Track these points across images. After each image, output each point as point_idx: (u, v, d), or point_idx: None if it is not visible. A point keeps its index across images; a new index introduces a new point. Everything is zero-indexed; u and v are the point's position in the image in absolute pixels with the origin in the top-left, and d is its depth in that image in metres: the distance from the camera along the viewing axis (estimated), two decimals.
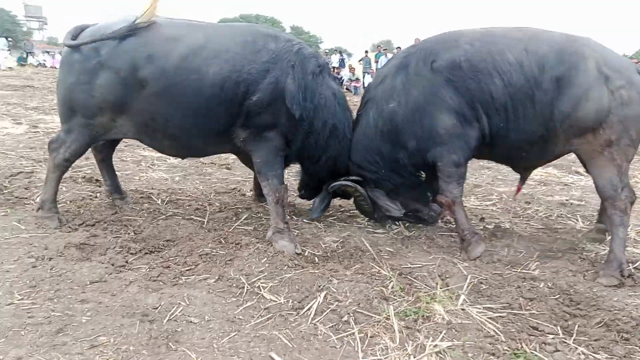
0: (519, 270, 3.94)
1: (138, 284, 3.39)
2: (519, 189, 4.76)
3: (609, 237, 4.09)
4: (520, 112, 3.91)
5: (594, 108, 3.76)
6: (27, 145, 7.38)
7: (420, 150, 4.27)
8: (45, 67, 33.18)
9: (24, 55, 35.08)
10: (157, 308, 3.09)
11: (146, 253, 3.89)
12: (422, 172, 4.63)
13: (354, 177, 4.56)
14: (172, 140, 4.24)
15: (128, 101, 4.01)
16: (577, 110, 3.79)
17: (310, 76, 4.19)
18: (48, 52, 40.32)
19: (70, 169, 4.57)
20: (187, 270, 3.65)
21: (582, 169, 8.08)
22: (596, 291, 3.63)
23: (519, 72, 3.86)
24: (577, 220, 5.36)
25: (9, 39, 39.00)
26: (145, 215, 4.68)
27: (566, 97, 3.81)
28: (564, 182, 7.28)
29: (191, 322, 2.97)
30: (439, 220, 4.90)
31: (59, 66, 4.33)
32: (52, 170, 4.32)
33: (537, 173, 7.56)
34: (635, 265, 4.10)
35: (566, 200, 6.25)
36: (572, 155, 8.37)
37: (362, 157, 4.54)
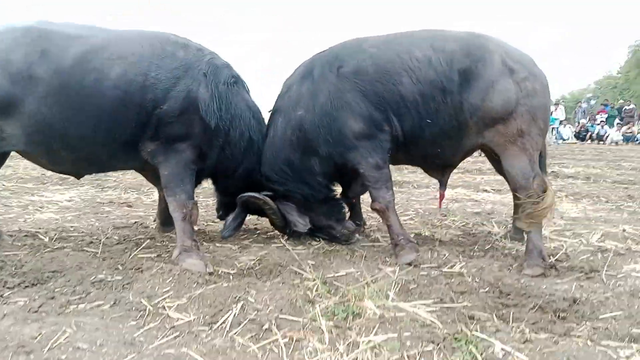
0: (445, 270, 3.76)
1: (14, 317, 2.80)
2: (442, 196, 4.66)
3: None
4: (432, 107, 3.85)
5: (501, 99, 3.77)
6: None
7: (332, 155, 4.10)
8: None
9: None
10: (36, 338, 2.54)
11: (26, 286, 3.29)
12: (333, 184, 4.47)
13: (265, 193, 4.27)
14: (72, 151, 3.74)
15: (16, 102, 3.49)
16: (486, 101, 3.79)
17: (225, 86, 3.97)
18: None
19: None
20: (76, 299, 3.10)
21: (489, 187, 8.42)
22: (524, 282, 3.54)
23: (428, 68, 3.82)
24: (493, 225, 5.36)
25: None
26: (28, 250, 4.04)
27: (475, 90, 3.80)
28: (474, 199, 7.39)
29: (79, 348, 2.45)
30: (353, 239, 4.57)
31: None
32: None
33: (448, 193, 7.67)
34: (556, 257, 4.07)
35: (479, 211, 6.29)
36: (479, 178, 8.63)
37: (270, 168, 4.30)
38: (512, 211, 4.77)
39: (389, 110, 3.92)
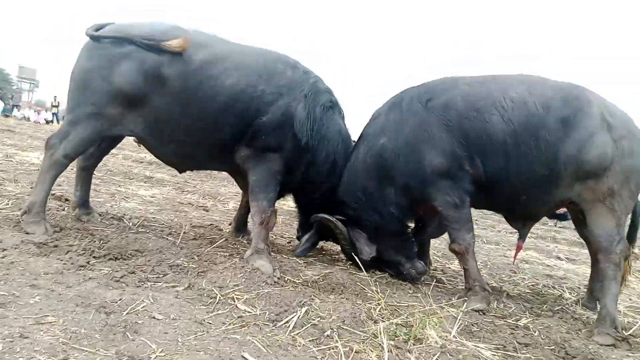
0: (510, 321, 3.67)
1: (98, 281, 3.02)
2: (519, 247, 4.54)
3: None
4: (522, 150, 3.78)
5: (598, 153, 3.68)
6: None
7: (408, 187, 4.11)
8: (29, 120, 33.00)
9: (9, 107, 35.09)
10: (116, 302, 2.73)
11: (110, 259, 3.53)
12: (407, 219, 4.43)
13: (338, 217, 4.35)
14: (178, 145, 4.07)
15: (144, 96, 3.87)
16: (582, 153, 3.69)
17: (321, 108, 4.19)
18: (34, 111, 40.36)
19: (61, 172, 4.07)
20: (154, 277, 3.30)
21: (562, 255, 8.10)
22: (592, 348, 3.37)
23: (523, 110, 3.78)
24: (564, 290, 5.15)
25: None
26: (114, 229, 4.33)
27: (572, 140, 3.71)
28: (546, 264, 7.13)
29: (154, 317, 2.61)
30: (420, 279, 4.45)
31: (78, 54, 4.06)
32: (47, 170, 3.94)
33: (519, 255, 7.45)
34: (630, 332, 3.86)
35: (551, 274, 6.07)
36: (552, 245, 8.35)
37: (346, 192, 4.39)
38: (589, 279, 4.59)
39: (472, 148, 3.88)
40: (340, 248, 4.70)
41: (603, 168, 3.67)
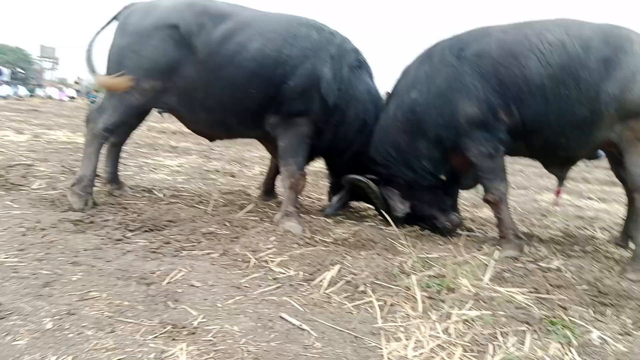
0: (542, 264, 3.68)
1: (135, 254, 3.13)
2: (558, 192, 4.51)
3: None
4: (562, 93, 3.66)
5: None
6: (28, 148, 7.21)
7: (441, 139, 4.04)
8: (53, 99, 33.43)
9: (32, 87, 35.62)
10: (155, 272, 2.83)
11: (145, 231, 3.64)
12: (439, 172, 4.27)
13: (370, 176, 4.34)
14: (209, 113, 4.15)
15: (176, 66, 3.98)
16: (625, 92, 3.56)
17: (348, 68, 4.15)
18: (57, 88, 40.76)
19: (105, 144, 4.30)
20: (189, 245, 3.39)
21: (593, 195, 8.00)
22: (625, 285, 3.37)
23: (561, 51, 3.65)
24: (596, 230, 5.13)
25: (19, 71, 39.47)
26: (146, 201, 4.44)
27: (614, 79, 3.58)
28: (577, 205, 7.09)
29: (193, 285, 2.71)
30: (455, 232, 4.44)
31: (114, 31, 4.23)
32: (90, 143, 4.13)
33: (549, 197, 7.39)
34: None
35: (582, 215, 6.02)
36: (583, 186, 8.21)
37: (377, 151, 4.34)
38: (625, 218, 4.54)
39: (508, 95, 3.77)
40: (372, 206, 4.72)
41: None
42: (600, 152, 4.70)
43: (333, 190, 4.87)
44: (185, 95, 4.08)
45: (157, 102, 4.18)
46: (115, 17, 4.26)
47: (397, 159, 4.27)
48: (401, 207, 4.35)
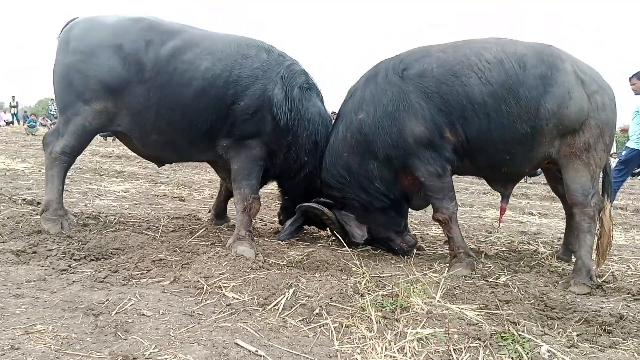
0: (490, 280, 3.80)
1: (82, 284, 3.02)
2: (503, 210, 4.60)
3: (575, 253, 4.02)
4: (503, 109, 3.79)
5: (576, 108, 3.74)
6: None
7: (391, 159, 4.09)
8: None
9: None
10: (103, 303, 2.74)
11: (92, 259, 3.53)
12: (392, 194, 4.30)
13: (323, 200, 4.34)
14: (160, 134, 4.07)
15: (125, 85, 3.91)
16: (562, 108, 3.74)
17: (299, 89, 4.17)
18: None
19: (66, 168, 4.22)
20: (138, 273, 3.31)
21: (534, 211, 8.33)
22: (569, 298, 3.52)
23: (499, 69, 3.79)
24: (539, 245, 5.33)
25: None
26: (92, 228, 4.30)
27: (551, 95, 3.75)
28: (519, 220, 7.34)
29: (143, 314, 2.63)
30: (412, 252, 4.47)
31: (57, 49, 4.10)
32: (50, 166, 4.07)
33: (493, 214, 7.65)
34: (603, 279, 4.04)
35: (525, 231, 6.25)
36: (524, 202, 8.48)
37: (329, 174, 4.34)
38: (564, 232, 4.75)
39: (453, 114, 3.86)
40: (328, 231, 4.70)
41: (580, 122, 3.75)
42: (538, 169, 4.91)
43: (284, 213, 4.85)
44: (137, 116, 4.00)
45: (112, 125, 4.09)
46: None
47: (350, 182, 4.28)
48: (359, 233, 4.35)
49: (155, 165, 4.66)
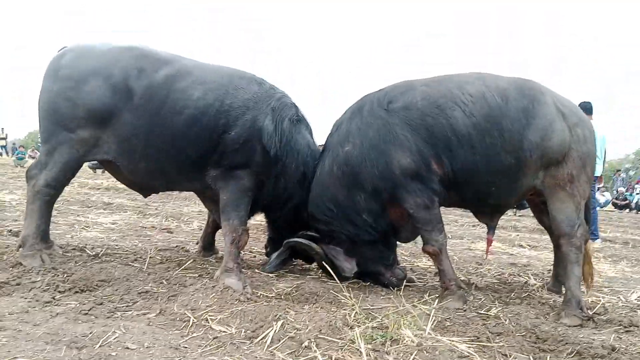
0: (481, 312, 3.77)
1: (66, 316, 2.95)
2: (489, 241, 4.62)
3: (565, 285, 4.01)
4: (487, 142, 3.84)
5: (559, 140, 3.82)
6: None
7: (378, 190, 4.07)
8: None
9: None
10: (87, 336, 2.67)
11: (76, 292, 3.45)
12: (380, 226, 4.25)
13: (310, 233, 4.29)
14: (148, 162, 4.03)
15: (114, 112, 3.89)
16: (545, 140, 3.81)
17: (288, 122, 4.19)
18: None
19: (48, 201, 4.08)
20: (123, 306, 3.24)
21: (524, 243, 8.34)
22: (560, 330, 3.50)
23: (482, 102, 3.86)
24: (529, 277, 5.31)
25: None
26: (77, 260, 4.22)
27: (534, 127, 3.82)
28: (509, 253, 7.34)
29: (127, 347, 2.57)
30: (401, 285, 4.38)
31: (44, 76, 4.06)
32: (32, 201, 3.97)
33: (482, 246, 7.64)
34: (594, 311, 4.02)
35: (515, 263, 6.24)
36: (514, 234, 8.52)
37: (316, 206, 4.30)
38: (552, 264, 4.75)
39: (439, 145, 3.89)
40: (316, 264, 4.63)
41: (563, 154, 3.82)
42: (526, 202, 4.95)
43: (271, 245, 4.81)
44: (126, 143, 3.97)
45: (98, 152, 4.04)
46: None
47: (337, 214, 4.23)
48: (348, 267, 4.29)
49: (142, 195, 4.61)
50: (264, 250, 5.28)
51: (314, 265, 4.82)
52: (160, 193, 4.79)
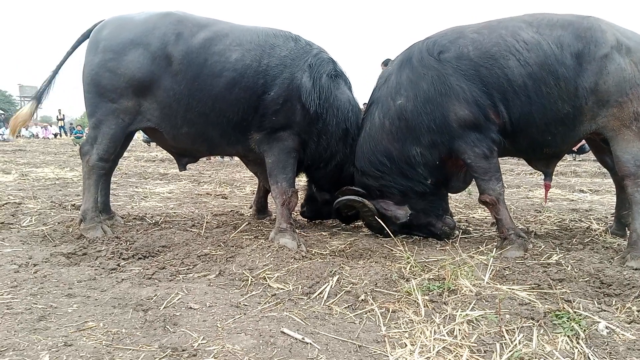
0: (542, 260, 3.66)
1: (130, 281, 3.08)
2: (547, 187, 4.44)
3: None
4: (543, 91, 3.69)
5: (615, 80, 3.60)
6: (16, 187, 7.14)
7: (435, 144, 3.98)
8: (38, 138, 33.28)
9: None
10: (151, 298, 2.78)
11: (139, 258, 3.60)
12: (434, 178, 4.18)
13: (358, 189, 4.22)
14: (190, 126, 4.08)
15: (155, 79, 3.95)
16: (600, 84, 3.62)
17: (327, 77, 4.13)
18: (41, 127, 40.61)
19: (103, 174, 4.29)
20: (184, 269, 3.35)
21: (585, 188, 8.03)
22: (626, 274, 3.34)
23: (537, 50, 3.69)
24: (591, 222, 5.11)
25: (1, 112, 39.36)
26: (138, 229, 4.39)
27: (589, 72, 3.64)
28: (569, 199, 7.08)
29: (191, 307, 2.65)
30: (454, 235, 4.43)
31: (86, 50, 4.18)
32: (88, 175, 4.15)
33: (541, 195, 7.41)
34: None
35: (576, 208, 6.02)
36: (574, 180, 8.21)
37: (367, 161, 4.22)
38: (615, 207, 4.56)
39: (495, 96, 3.78)
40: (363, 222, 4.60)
41: (625, 94, 3.60)
42: (587, 145, 4.70)
43: (309, 204, 4.84)
44: (167, 109, 4.03)
45: (142, 120, 4.12)
46: (85, 36, 4.24)
47: (391, 168, 4.16)
48: (402, 213, 4.24)
49: (179, 166, 4.64)
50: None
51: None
52: (214, 161, 4.87)
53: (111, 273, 3.25)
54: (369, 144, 4.23)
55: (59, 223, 4.61)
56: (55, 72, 4.32)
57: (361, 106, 4.70)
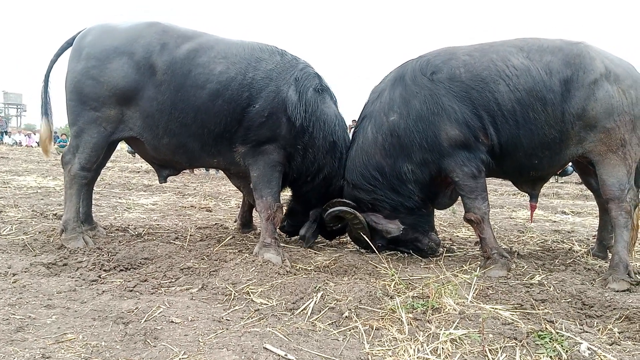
0: (525, 280, 3.69)
1: (111, 294, 3.03)
2: (533, 207, 4.49)
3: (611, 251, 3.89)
4: (531, 116, 3.76)
5: (604, 107, 3.67)
6: None
7: (426, 162, 4.02)
8: (21, 145, 32.89)
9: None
10: (132, 311, 2.73)
11: (121, 270, 3.55)
12: (423, 194, 4.22)
13: (348, 202, 4.23)
14: (172, 137, 4.03)
15: (138, 88, 3.92)
16: (587, 110, 3.70)
17: (313, 91, 4.14)
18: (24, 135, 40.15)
19: (85, 184, 4.24)
20: (167, 282, 3.31)
21: (567, 209, 8.13)
22: (608, 295, 3.38)
23: (526, 76, 3.76)
24: (574, 243, 5.17)
25: None
26: (121, 240, 4.33)
27: (577, 98, 3.71)
28: (552, 220, 7.16)
29: (172, 321, 2.61)
30: (439, 251, 4.47)
31: (69, 57, 4.13)
32: (69, 185, 4.09)
33: (524, 214, 7.48)
34: None
35: (558, 230, 6.09)
36: (556, 201, 8.29)
37: (359, 174, 4.25)
38: (597, 229, 4.62)
39: (485, 118, 3.84)
40: (349, 236, 4.56)
41: (612, 120, 3.67)
42: (569, 168, 4.79)
43: (291, 218, 4.74)
44: (149, 118, 3.99)
45: (124, 129, 4.08)
46: (69, 43, 4.20)
47: (383, 183, 4.19)
48: (393, 227, 4.25)
49: (159, 178, 4.55)
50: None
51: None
52: (198, 174, 4.84)
53: (92, 284, 3.19)
54: (362, 158, 4.26)
55: (39, 232, 4.54)
56: (46, 82, 4.27)
57: (349, 123, 4.72)
